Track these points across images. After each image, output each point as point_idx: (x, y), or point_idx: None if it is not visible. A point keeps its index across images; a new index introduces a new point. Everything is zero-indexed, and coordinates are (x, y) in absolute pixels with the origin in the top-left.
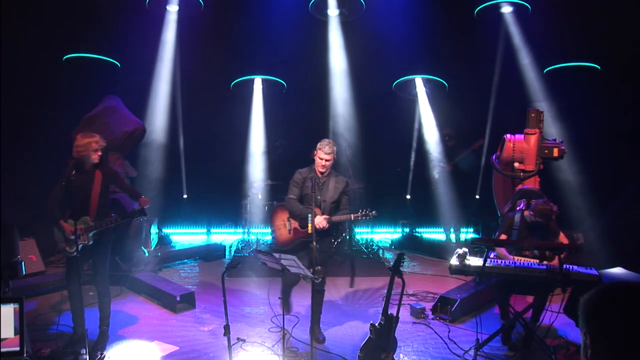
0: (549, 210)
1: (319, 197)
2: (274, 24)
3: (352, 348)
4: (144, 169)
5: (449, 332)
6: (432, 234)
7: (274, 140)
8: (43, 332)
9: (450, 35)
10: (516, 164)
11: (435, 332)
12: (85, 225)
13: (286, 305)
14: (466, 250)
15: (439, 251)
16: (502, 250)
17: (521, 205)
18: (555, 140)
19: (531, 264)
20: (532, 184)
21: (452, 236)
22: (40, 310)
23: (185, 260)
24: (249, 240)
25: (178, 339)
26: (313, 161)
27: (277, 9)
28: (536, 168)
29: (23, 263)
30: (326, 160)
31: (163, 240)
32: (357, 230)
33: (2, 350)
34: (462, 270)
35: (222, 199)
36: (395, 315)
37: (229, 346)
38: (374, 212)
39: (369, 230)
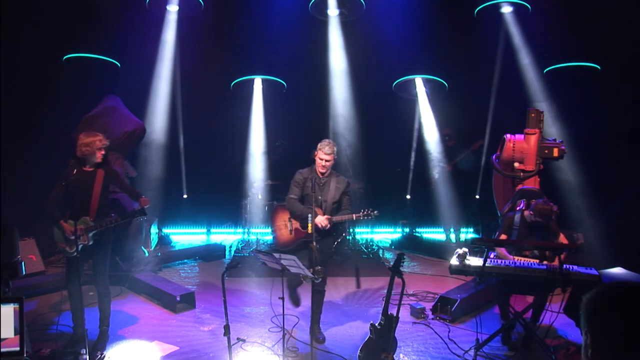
0: (549, 210)
1: (319, 198)
2: (274, 24)
3: (352, 348)
4: (144, 169)
5: (449, 332)
6: (432, 234)
7: (274, 140)
8: (43, 332)
9: (450, 35)
10: (516, 164)
11: (435, 332)
12: (85, 226)
13: (294, 299)
14: (466, 250)
15: (439, 251)
16: (502, 250)
17: (521, 205)
18: (555, 140)
19: (531, 264)
20: (532, 184)
21: (452, 236)
22: (40, 310)
23: (185, 260)
24: (249, 240)
25: (178, 339)
26: (314, 161)
27: (277, 9)
28: (536, 168)
29: (23, 263)
30: (326, 161)
31: (163, 240)
32: (357, 230)
33: (2, 350)
34: (462, 270)
35: (222, 199)
36: (395, 315)
37: (229, 346)
38: (375, 212)
39: (369, 230)
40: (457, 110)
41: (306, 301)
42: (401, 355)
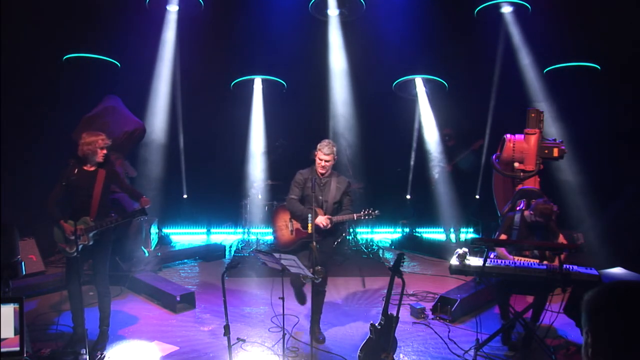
0: (549, 210)
1: (320, 198)
2: (274, 24)
3: (352, 348)
4: (144, 169)
5: (449, 332)
6: (432, 234)
7: (274, 140)
8: (43, 332)
9: (450, 35)
10: (516, 164)
11: (435, 332)
12: (85, 226)
13: (300, 298)
14: (466, 250)
15: (439, 251)
16: (502, 250)
17: (521, 205)
18: (555, 140)
19: (531, 264)
20: (532, 184)
21: (452, 236)
22: (40, 310)
23: (185, 260)
24: (249, 240)
25: (178, 339)
26: (314, 162)
27: (277, 9)
28: (536, 168)
29: (23, 263)
30: (326, 161)
31: (163, 240)
32: (357, 230)
33: (2, 350)
34: (462, 270)
35: (222, 199)
36: (395, 315)
37: (229, 346)
38: (376, 211)
39: (369, 230)
40: (457, 110)
41: (307, 301)
42: (401, 355)
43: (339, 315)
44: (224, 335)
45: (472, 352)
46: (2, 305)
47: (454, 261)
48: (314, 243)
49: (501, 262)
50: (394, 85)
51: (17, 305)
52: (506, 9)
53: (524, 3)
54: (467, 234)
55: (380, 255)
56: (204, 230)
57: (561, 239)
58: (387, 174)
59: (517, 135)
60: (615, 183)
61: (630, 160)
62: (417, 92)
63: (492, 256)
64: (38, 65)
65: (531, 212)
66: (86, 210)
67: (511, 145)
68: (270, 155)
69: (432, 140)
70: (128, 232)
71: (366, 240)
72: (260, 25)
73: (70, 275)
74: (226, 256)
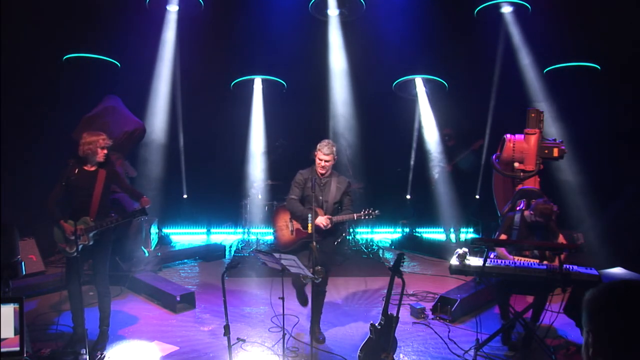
0: (550, 209)
1: (320, 198)
2: (274, 24)
3: (352, 348)
4: (144, 169)
5: (449, 332)
6: (432, 234)
7: (274, 140)
8: (43, 332)
9: (450, 35)
10: (516, 164)
11: (435, 332)
12: (85, 226)
13: (302, 299)
14: (466, 250)
15: (439, 251)
16: (502, 250)
17: (521, 205)
18: (555, 140)
19: (531, 264)
20: (532, 184)
21: (452, 236)
22: (40, 310)
23: (185, 260)
24: (249, 240)
25: (178, 339)
26: (314, 162)
27: (277, 9)
28: (536, 168)
29: (23, 263)
30: (325, 161)
31: (163, 240)
32: (357, 230)
33: (2, 350)
34: (462, 270)
35: (222, 199)
36: (395, 315)
37: (229, 346)
38: (377, 211)
39: (369, 230)
40: (457, 110)
41: (309, 302)
42: (401, 355)
43: (339, 315)
44: (224, 335)
45: (472, 352)
46: (2, 305)
47: (454, 261)
48: (314, 243)
49: (501, 262)
50: (394, 85)
51: (17, 305)
52: (506, 9)
53: (524, 3)
54: (467, 234)
55: (380, 255)
56: (204, 230)
57: (561, 239)
58: (387, 174)
59: (517, 135)
60: (615, 183)
61: (630, 160)
62: (417, 92)
63: (492, 256)
64: (38, 65)
65: (531, 212)
66: (86, 210)
67: (511, 145)
68: (270, 155)
69: (432, 140)
70: (128, 232)
71: (366, 240)
72: (260, 25)
73: (70, 275)
74: (226, 256)
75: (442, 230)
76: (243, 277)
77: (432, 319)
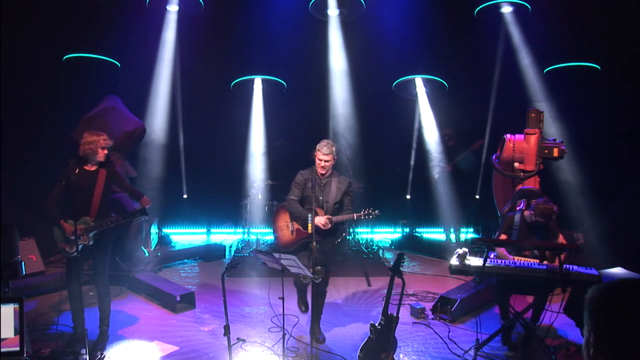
0: (550, 209)
1: (321, 198)
2: (274, 24)
3: (352, 348)
4: (144, 169)
5: (449, 332)
6: (432, 234)
7: (274, 140)
8: (43, 332)
9: (450, 35)
10: (516, 164)
11: (435, 332)
12: (85, 226)
13: (303, 304)
14: (466, 250)
15: (439, 251)
16: (502, 250)
17: (521, 205)
18: (555, 140)
19: (531, 264)
20: (532, 184)
21: (452, 236)
22: (40, 310)
23: (185, 260)
24: (249, 240)
25: (178, 339)
26: (314, 162)
27: (277, 9)
28: (536, 168)
29: (23, 263)
30: (325, 161)
31: (163, 240)
32: (357, 230)
33: (2, 350)
34: (462, 270)
35: (222, 199)
36: (395, 315)
37: (229, 346)
38: (377, 211)
39: (369, 230)
40: (457, 110)
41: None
42: (401, 355)
43: (339, 315)
44: (224, 335)
45: (472, 352)
46: (2, 305)
47: (454, 261)
48: (314, 243)
49: (501, 262)
50: (394, 85)
51: (17, 305)
52: (506, 9)
53: (524, 3)
54: (467, 234)
55: (380, 255)
56: (204, 230)
57: (561, 239)
58: (387, 174)
59: (517, 135)
60: (615, 183)
61: (630, 160)
62: (417, 92)
63: (492, 256)
64: (38, 65)
65: (531, 212)
66: (86, 210)
67: (511, 145)
68: (270, 155)
69: (432, 140)
70: (128, 232)
71: (366, 240)
72: (260, 25)
73: (70, 275)
74: (226, 256)
75: (442, 230)
76: (243, 277)
77: (432, 319)
